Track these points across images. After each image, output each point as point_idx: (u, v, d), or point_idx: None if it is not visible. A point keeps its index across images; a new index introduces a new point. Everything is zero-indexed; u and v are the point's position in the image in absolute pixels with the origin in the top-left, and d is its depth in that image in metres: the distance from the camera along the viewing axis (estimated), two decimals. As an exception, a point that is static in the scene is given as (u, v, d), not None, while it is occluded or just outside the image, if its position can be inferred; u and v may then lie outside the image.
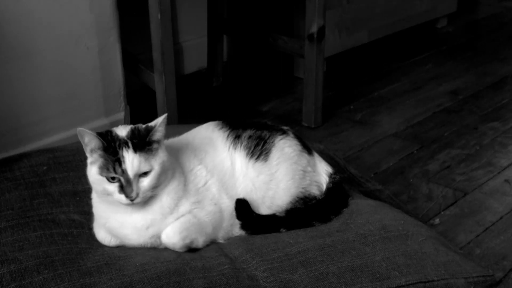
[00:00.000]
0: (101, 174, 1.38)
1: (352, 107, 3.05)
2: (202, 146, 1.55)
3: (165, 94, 2.40)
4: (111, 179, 1.38)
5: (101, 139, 1.38)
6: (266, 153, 1.56)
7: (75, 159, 1.83)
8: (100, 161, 1.38)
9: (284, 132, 1.63)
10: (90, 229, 1.57)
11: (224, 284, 1.38)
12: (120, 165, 1.36)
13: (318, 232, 1.55)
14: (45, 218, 1.58)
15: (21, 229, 1.53)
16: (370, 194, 1.99)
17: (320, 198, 1.63)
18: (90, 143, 1.39)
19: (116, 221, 1.46)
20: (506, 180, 2.42)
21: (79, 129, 1.38)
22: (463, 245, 2.05)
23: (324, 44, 2.75)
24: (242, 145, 1.56)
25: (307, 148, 1.67)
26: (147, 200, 1.43)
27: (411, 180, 2.43)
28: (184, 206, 1.46)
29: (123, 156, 1.37)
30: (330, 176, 1.66)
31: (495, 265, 1.96)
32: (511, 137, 2.75)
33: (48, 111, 2.23)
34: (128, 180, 1.37)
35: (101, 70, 2.34)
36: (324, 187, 1.65)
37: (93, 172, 1.40)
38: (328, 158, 2.05)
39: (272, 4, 3.56)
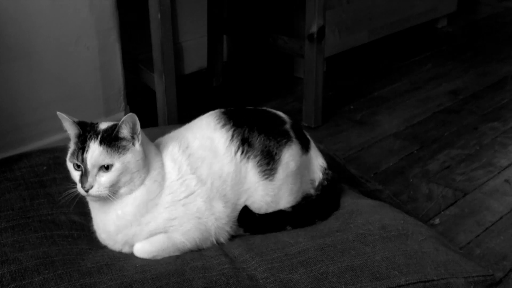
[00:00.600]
0: (69, 159, 1.40)
1: (352, 107, 3.05)
2: (200, 151, 1.48)
3: (165, 94, 2.40)
4: (76, 167, 1.39)
5: (78, 126, 1.40)
6: (273, 173, 1.52)
7: (75, 159, 1.83)
8: (72, 148, 1.41)
9: (288, 139, 1.56)
10: (90, 231, 1.57)
11: (224, 284, 1.38)
12: (83, 153, 1.37)
13: (318, 232, 1.55)
14: (45, 219, 1.58)
15: (21, 229, 1.53)
16: (370, 194, 1.99)
17: (315, 194, 1.63)
18: (68, 129, 1.41)
19: (96, 223, 1.47)
20: (506, 180, 2.42)
21: (59, 113, 1.39)
22: (463, 245, 2.05)
23: (324, 44, 2.75)
24: (256, 159, 1.49)
25: (305, 144, 1.62)
26: (119, 206, 1.41)
27: (411, 180, 2.43)
28: (156, 222, 1.42)
29: (88, 146, 1.37)
30: (324, 172, 1.64)
31: (495, 265, 1.96)
32: (511, 137, 2.75)
33: (48, 111, 2.23)
34: (86, 170, 1.37)
35: (101, 70, 2.34)
36: (317, 183, 1.64)
37: (67, 157, 1.42)
38: (328, 158, 2.05)
39: (272, 4, 3.56)
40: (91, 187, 1.37)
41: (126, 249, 1.47)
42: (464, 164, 2.54)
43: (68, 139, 1.44)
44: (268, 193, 1.52)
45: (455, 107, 3.06)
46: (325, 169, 1.65)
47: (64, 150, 1.86)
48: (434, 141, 2.73)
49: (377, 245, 1.51)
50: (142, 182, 1.41)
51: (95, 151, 1.36)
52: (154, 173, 1.42)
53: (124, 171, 1.38)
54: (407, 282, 1.42)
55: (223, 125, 1.52)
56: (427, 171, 2.49)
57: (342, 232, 1.55)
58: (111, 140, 1.38)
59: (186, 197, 1.44)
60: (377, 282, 1.41)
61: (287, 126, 1.60)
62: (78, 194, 1.42)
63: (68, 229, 1.56)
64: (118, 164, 1.37)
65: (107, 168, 1.37)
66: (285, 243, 1.51)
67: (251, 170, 1.50)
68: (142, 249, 1.44)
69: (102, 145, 1.37)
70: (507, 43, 3.93)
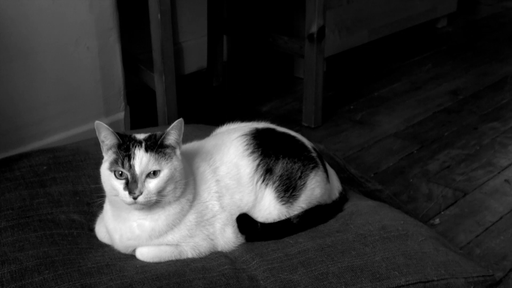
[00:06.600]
0: (110, 168, 1.39)
1: (352, 107, 3.05)
2: (226, 179, 1.50)
3: (165, 94, 2.40)
4: (119, 175, 1.37)
5: (117, 135, 1.39)
6: (295, 198, 1.54)
7: (75, 159, 1.83)
8: (112, 157, 1.40)
9: (315, 165, 1.58)
10: (90, 229, 1.57)
11: (224, 284, 1.38)
12: (129, 160, 1.37)
13: (318, 233, 1.55)
14: (45, 218, 1.58)
15: (21, 229, 1.53)
16: (370, 194, 1.99)
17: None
18: (106, 138, 1.40)
19: (112, 224, 1.47)
20: (506, 180, 2.42)
21: (97, 122, 1.39)
22: (463, 245, 2.05)
23: (324, 44, 2.75)
24: (274, 185, 1.52)
25: (325, 168, 1.65)
26: (142, 220, 1.42)
27: (411, 180, 2.42)
28: (173, 236, 1.44)
29: (133, 153, 1.37)
30: (340, 193, 1.69)
31: (495, 265, 1.96)
32: (511, 137, 2.75)
33: (48, 111, 2.23)
34: (134, 177, 1.36)
35: (101, 70, 2.34)
36: (331, 200, 1.67)
37: (103, 167, 1.41)
38: (328, 158, 2.05)
39: (272, 4, 3.56)
40: (141, 193, 1.36)
41: (131, 252, 1.49)
42: (464, 164, 2.54)
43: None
44: (283, 214, 1.55)
45: (455, 107, 3.06)
46: (341, 192, 1.69)
47: (64, 150, 1.87)
48: (434, 141, 2.73)
49: (377, 246, 1.51)
50: (181, 194, 1.42)
51: (143, 158, 1.37)
52: (188, 191, 1.44)
53: (171, 177, 1.39)
54: (407, 283, 1.42)
55: (251, 153, 1.53)
56: (427, 171, 2.48)
57: (342, 232, 1.55)
58: (157, 147, 1.39)
59: (208, 219, 1.47)
60: (377, 283, 1.41)
61: (314, 155, 1.62)
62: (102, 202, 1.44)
63: (67, 228, 1.56)
64: (166, 169, 1.38)
65: (154, 174, 1.38)
66: (285, 243, 1.51)
67: (268, 194, 1.52)
68: (147, 254, 1.46)
69: (148, 152, 1.38)
70: (507, 43, 3.93)
